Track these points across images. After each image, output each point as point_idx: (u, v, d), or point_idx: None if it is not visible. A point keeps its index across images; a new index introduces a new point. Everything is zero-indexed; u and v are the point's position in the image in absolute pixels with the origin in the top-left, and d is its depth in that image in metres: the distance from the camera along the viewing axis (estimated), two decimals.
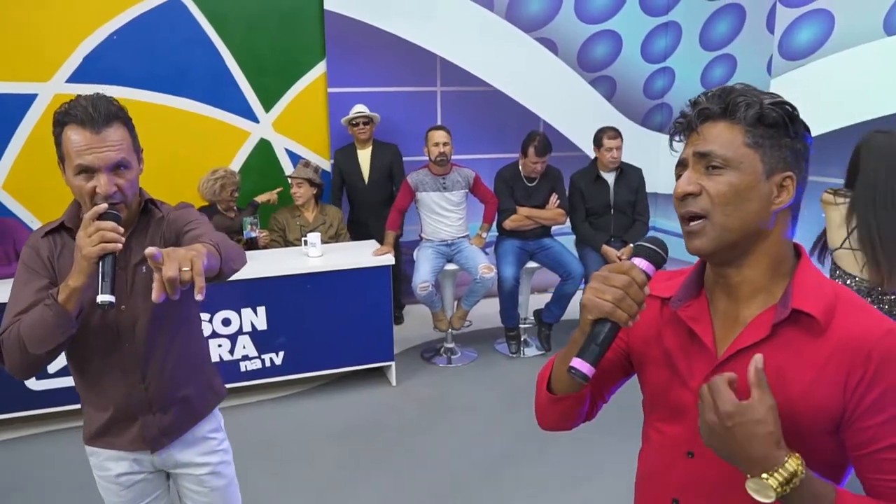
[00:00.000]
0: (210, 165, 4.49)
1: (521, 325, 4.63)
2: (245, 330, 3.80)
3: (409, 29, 5.13)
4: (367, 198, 4.87)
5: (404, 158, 4.94)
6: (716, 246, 0.99)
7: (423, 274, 4.23)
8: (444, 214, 4.39)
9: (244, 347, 3.81)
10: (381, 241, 4.38)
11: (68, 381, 3.57)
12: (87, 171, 1.44)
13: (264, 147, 4.96)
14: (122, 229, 1.38)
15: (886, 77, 3.72)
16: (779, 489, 0.86)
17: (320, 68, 5.00)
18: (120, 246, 1.36)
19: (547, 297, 4.66)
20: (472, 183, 4.42)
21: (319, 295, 3.90)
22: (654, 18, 5.69)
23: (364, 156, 4.85)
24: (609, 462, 3.18)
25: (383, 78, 5.15)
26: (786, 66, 4.27)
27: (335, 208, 4.65)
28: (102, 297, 1.31)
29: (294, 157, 5.03)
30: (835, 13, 3.98)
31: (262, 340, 3.84)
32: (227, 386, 2.01)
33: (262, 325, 3.82)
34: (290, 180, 4.38)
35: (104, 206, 1.39)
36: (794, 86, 4.23)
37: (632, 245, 4.36)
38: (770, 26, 4.82)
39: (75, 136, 1.43)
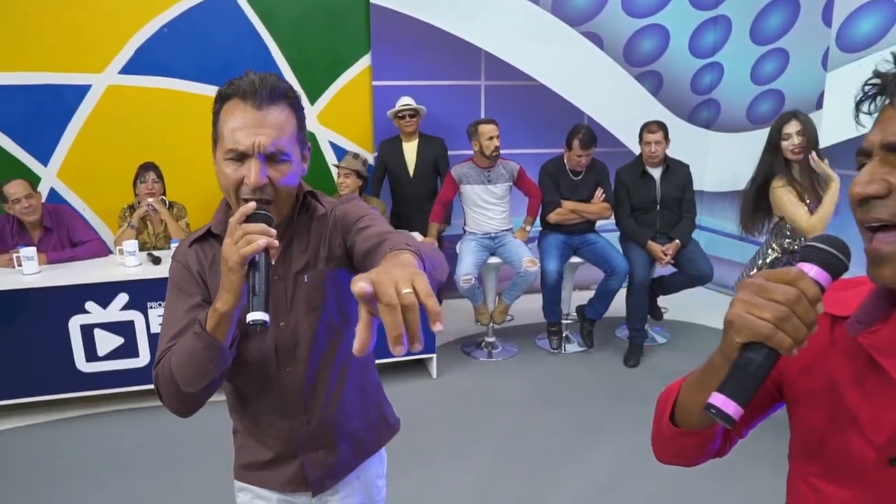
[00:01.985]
0: None
1: (564, 321, 4.58)
2: None
3: (454, 23, 5.12)
4: (411, 191, 4.87)
5: (448, 152, 4.93)
6: None
7: (465, 266, 4.21)
8: (487, 207, 4.36)
9: None
10: (424, 235, 4.37)
11: (118, 364, 3.65)
12: (239, 156, 1.19)
13: (309, 139, 5.00)
14: (274, 231, 1.12)
15: None
16: None
17: (365, 61, 5.02)
18: (276, 243, 1.10)
19: (589, 294, 4.60)
20: (516, 176, 4.39)
21: None
22: (704, 12, 5.58)
23: (410, 148, 4.85)
24: (653, 461, 3.11)
25: (427, 71, 5.15)
26: (843, 59, 4.15)
27: (379, 200, 4.66)
28: (254, 316, 1.05)
29: (338, 150, 5.07)
30: None
31: None
32: None
33: None
34: (336, 170, 4.40)
35: (252, 204, 1.14)
36: (851, 79, 4.10)
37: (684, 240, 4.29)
38: (826, 18, 4.69)
39: (233, 111, 1.19)
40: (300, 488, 1.44)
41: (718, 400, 0.74)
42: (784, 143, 3.26)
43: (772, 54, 5.19)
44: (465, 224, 4.52)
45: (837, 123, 4.23)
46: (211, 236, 1.34)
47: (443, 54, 5.15)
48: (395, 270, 0.80)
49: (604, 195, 4.41)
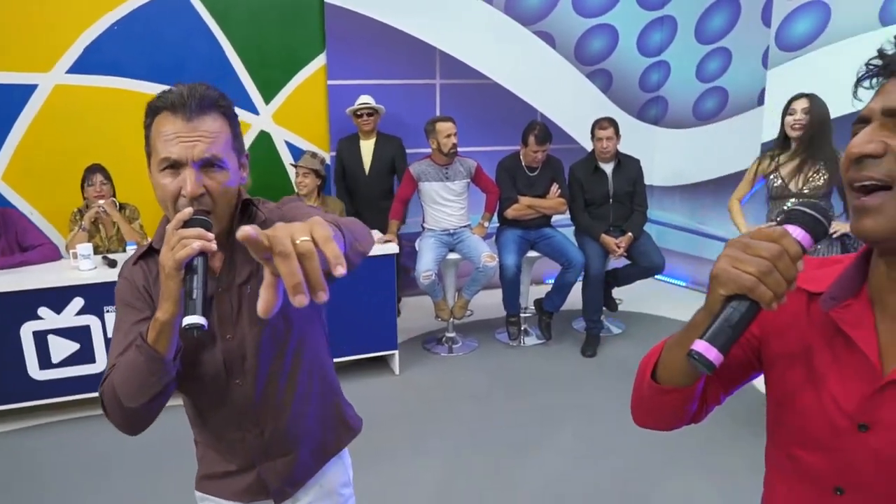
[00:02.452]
0: None
1: (522, 314, 4.67)
2: None
3: (409, 22, 5.16)
4: (366, 189, 4.89)
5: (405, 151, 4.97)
6: (894, 229, 0.77)
7: (426, 263, 4.26)
8: (446, 204, 4.42)
9: None
10: (383, 233, 4.40)
11: (74, 371, 3.58)
12: (173, 166, 1.17)
13: (264, 139, 4.97)
14: (212, 235, 1.10)
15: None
16: None
17: (320, 61, 5.02)
18: (213, 246, 1.08)
19: (545, 288, 4.70)
20: (473, 173, 4.46)
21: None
22: (650, 12, 5.75)
23: (367, 147, 4.87)
24: (614, 445, 3.22)
25: (383, 70, 5.18)
26: (782, 58, 4.34)
27: (336, 199, 4.67)
28: (190, 319, 1.02)
29: (294, 149, 5.05)
30: (831, 4, 4.05)
31: None
32: None
33: None
34: (296, 169, 4.39)
35: (189, 210, 1.12)
36: (790, 77, 4.30)
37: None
38: (765, 19, 4.90)
39: (164, 123, 1.18)
40: (260, 497, 1.44)
41: (701, 346, 0.78)
42: (787, 118, 3.41)
43: (715, 53, 5.39)
44: (423, 221, 4.57)
45: (779, 119, 4.42)
46: (154, 251, 1.31)
47: (398, 53, 5.19)
48: (294, 225, 0.77)
49: (559, 190, 4.52)
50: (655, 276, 4.86)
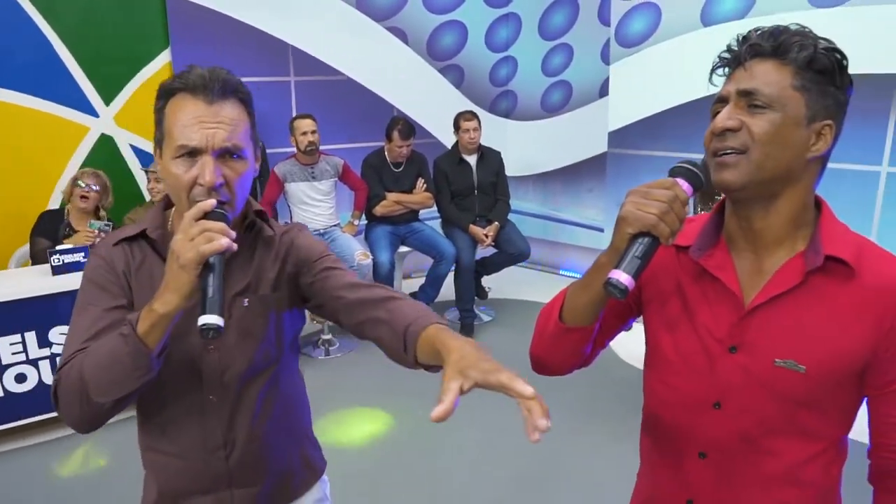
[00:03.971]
0: (41, 165, 4.07)
1: None
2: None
3: (256, 16, 4.96)
4: None
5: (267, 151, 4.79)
6: (747, 181, 0.96)
7: None
8: (314, 204, 4.32)
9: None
10: None
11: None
12: (191, 153, 1.09)
13: (106, 144, 4.55)
14: (233, 233, 1.02)
15: (706, 63, 4.22)
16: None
17: (164, 58, 4.68)
18: (234, 246, 1.01)
19: (417, 282, 4.75)
20: (340, 171, 4.40)
21: None
22: (496, 10, 5.97)
23: None
24: (501, 434, 3.34)
25: (234, 67, 4.84)
26: (623, 53, 4.70)
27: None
28: (207, 319, 0.96)
29: (142, 154, 4.67)
30: (661, 6, 4.45)
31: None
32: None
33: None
34: (147, 175, 4.07)
35: (212, 201, 1.04)
36: (630, 70, 4.68)
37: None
38: (602, 18, 5.28)
39: (183, 106, 1.10)
40: None
41: (616, 274, 0.92)
42: None
43: (559, 49, 5.72)
44: (291, 223, 4.43)
45: (622, 109, 4.80)
46: (144, 238, 1.21)
47: (249, 49, 4.97)
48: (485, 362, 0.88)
49: (425, 185, 4.58)
50: (519, 264, 5.08)
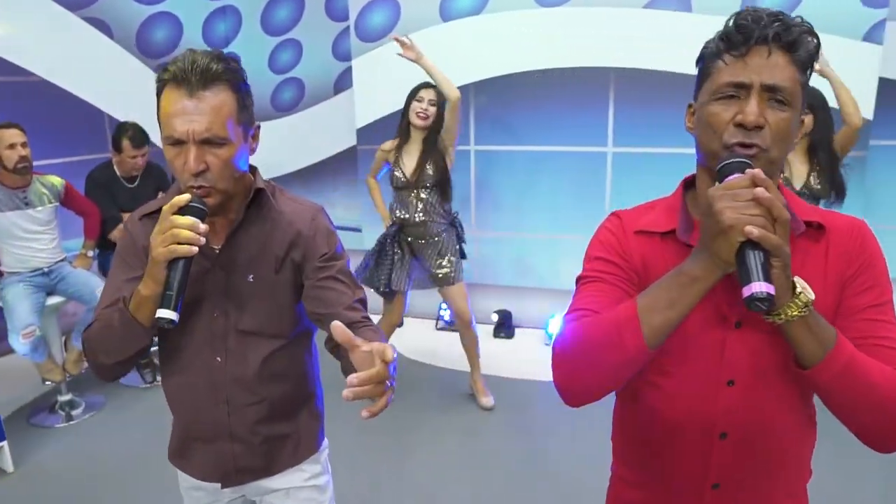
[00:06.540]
0: None
1: (154, 348, 4.02)
2: None
3: None
4: None
5: None
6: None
7: (22, 317, 3.28)
8: (31, 238, 3.45)
9: None
10: None
11: None
12: (177, 142, 1.18)
13: None
14: (203, 227, 1.14)
15: (447, 56, 4.35)
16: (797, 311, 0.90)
17: None
18: (195, 250, 1.12)
19: None
20: (62, 194, 3.59)
21: None
22: (212, 3, 5.41)
23: None
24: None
25: None
26: (364, 48, 4.64)
27: None
28: (163, 313, 1.12)
29: None
30: (399, 1, 4.47)
31: None
32: None
33: None
34: None
35: (186, 196, 1.15)
36: (373, 65, 4.63)
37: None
38: (330, 12, 5.14)
39: (169, 98, 1.18)
40: (211, 477, 1.46)
41: (760, 287, 0.84)
42: (414, 105, 3.47)
43: (286, 44, 5.43)
44: (0, 264, 3.49)
45: (367, 104, 4.75)
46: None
47: None
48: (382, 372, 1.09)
49: None
50: None
